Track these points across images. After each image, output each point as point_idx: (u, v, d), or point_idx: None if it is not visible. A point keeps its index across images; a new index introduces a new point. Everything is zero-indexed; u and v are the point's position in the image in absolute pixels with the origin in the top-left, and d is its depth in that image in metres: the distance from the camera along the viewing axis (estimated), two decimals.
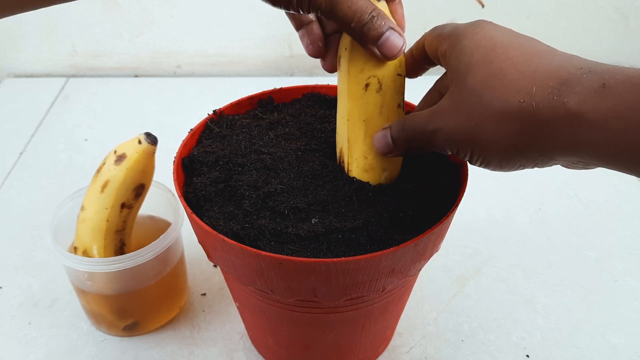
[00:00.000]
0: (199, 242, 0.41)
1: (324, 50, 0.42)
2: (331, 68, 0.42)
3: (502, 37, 0.33)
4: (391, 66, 0.38)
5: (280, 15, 0.86)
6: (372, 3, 0.35)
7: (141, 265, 0.47)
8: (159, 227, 0.54)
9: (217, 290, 0.56)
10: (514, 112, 0.30)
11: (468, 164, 0.41)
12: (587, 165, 0.31)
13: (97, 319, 0.52)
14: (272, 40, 0.89)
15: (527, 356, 0.51)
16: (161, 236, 0.47)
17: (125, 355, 0.51)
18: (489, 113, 0.30)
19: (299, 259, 0.34)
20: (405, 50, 0.37)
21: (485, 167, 0.33)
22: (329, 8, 0.34)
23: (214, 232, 0.36)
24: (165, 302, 0.53)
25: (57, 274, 0.58)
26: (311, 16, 0.41)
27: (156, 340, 0.52)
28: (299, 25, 0.42)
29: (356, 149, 0.39)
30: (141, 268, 0.47)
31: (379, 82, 0.37)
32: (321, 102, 0.49)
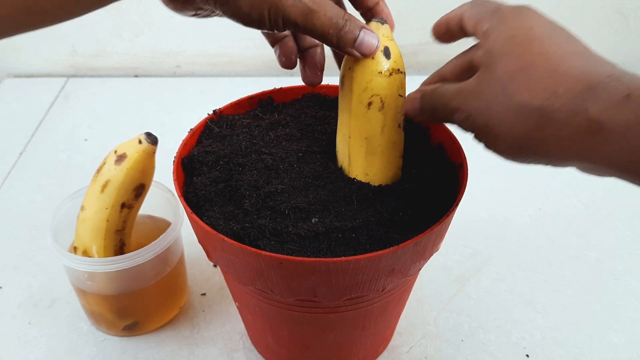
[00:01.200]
0: (199, 242, 0.41)
1: (296, 63, 0.44)
2: (311, 81, 0.44)
3: (541, 30, 0.32)
4: (394, 86, 0.38)
5: None
6: (340, 8, 0.36)
7: (141, 265, 0.47)
8: (159, 227, 0.54)
9: (217, 290, 0.56)
10: (535, 109, 0.29)
11: (467, 164, 0.41)
12: (602, 174, 0.31)
13: (97, 319, 0.52)
14: None
15: (527, 356, 0.51)
16: (161, 236, 0.47)
17: (125, 355, 0.51)
18: (510, 104, 0.30)
19: (299, 258, 0.34)
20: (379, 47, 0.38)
21: (497, 154, 0.33)
22: (304, 22, 0.35)
23: (214, 232, 0.36)
24: (165, 302, 0.53)
25: (57, 274, 0.58)
26: (285, 32, 0.42)
27: (156, 340, 0.52)
28: (273, 41, 0.43)
29: (357, 165, 0.40)
30: (141, 268, 0.47)
31: (381, 101, 0.38)
32: (321, 102, 0.49)
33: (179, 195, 0.39)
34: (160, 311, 0.52)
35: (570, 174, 0.70)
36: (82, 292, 0.50)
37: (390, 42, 0.38)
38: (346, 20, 0.36)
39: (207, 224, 0.37)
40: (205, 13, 0.37)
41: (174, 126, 0.79)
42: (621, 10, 0.88)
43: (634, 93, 0.27)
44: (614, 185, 0.69)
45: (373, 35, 0.37)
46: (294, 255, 0.34)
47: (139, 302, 0.50)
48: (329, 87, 0.50)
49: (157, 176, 0.49)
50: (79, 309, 0.54)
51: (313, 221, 0.36)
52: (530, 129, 0.30)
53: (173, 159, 0.42)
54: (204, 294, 0.56)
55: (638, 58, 0.94)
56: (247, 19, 0.35)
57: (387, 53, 0.38)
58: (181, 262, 0.53)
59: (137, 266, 0.46)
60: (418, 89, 0.38)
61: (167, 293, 0.52)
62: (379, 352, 0.50)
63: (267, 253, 0.34)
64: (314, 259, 0.34)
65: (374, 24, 0.39)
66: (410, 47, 0.88)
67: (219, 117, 0.46)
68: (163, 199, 0.52)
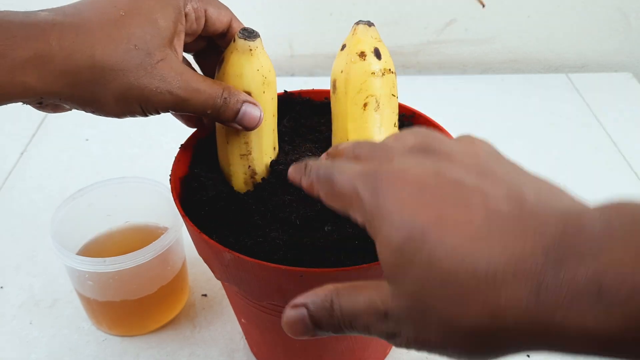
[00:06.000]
0: (205, 260, 0.39)
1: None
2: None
3: (425, 215, 0.23)
4: (387, 86, 0.39)
5: (281, 15, 0.86)
6: (219, 83, 0.36)
7: (142, 265, 0.47)
8: (156, 234, 0.54)
9: (217, 291, 0.57)
10: (486, 332, 0.22)
11: None
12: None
13: (98, 319, 0.52)
14: (273, 40, 0.89)
15: (528, 356, 0.51)
16: (162, 236, 0.48)
17: (126, 355, 0.51)
18: (454, 329, 0.23)
19: (320, 270, 0.33)
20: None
21: None
22: (180, 106, 0.35)
23: (228, 250, 0.34)
24: (166, 302, 0.53)
25: (58, 274, 0.58)
26: None
27: (157, 340, 0.52)
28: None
29: None
30: (142, 268, 0.47)
31: (376, 102, 0.39)
32: (312, 107, 0.48)
33: (182, 215, 0.37)
34: (161, 311, 0.52)
35: (570, 173, 0.71)
36: (82, 292, 0.50)
37: (379, 43, 0.39)
38: (225, 97, 0.36)
39: (217, 241, 0.35)
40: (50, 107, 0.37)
41: (175, 126, 0.79)
42: (622, 10, 0.88)
43: (605, 284, 0.20)
44: (614, 186, 0.69)
45: (255, 108, 0.37)
46: (314, 267, 0.33)
47: (141, 302, 0.50)
48: (315, 92, 0.49)
49: (157, 176, 0.49)
50: (80, 308, 0.54)
51: (326, 229, 0.36)
52: (485, 346, 0.22)
53: (173, 158, 0.42)
54: (205, 295, 0.56)
55: (638, 58, 0.94)
56: (119, 116, 0.36)
57: (377, 54, 0.38)
58: (182, 262, 0.53)
59: (137, 266, 0.46)
60: (297, 302, 0.27)
61: (168, 293, 0.52)
62: (386, 354, 0.50)
63: (288, 267, 0.33)
64: (336, 269, 0.33)
65: (361, 27, 0.39)
66: (410, 47, 0.88)
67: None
68: (162, 198, 0.52)
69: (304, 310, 0.27)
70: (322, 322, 0.26)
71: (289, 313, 0.27)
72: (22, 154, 0.76)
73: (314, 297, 0.27)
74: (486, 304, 0.21)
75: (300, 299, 0.27)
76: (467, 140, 0.28)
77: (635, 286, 0.19)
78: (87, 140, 0.77)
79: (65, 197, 0.52)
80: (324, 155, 0.34)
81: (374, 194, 0.25)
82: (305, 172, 0.31)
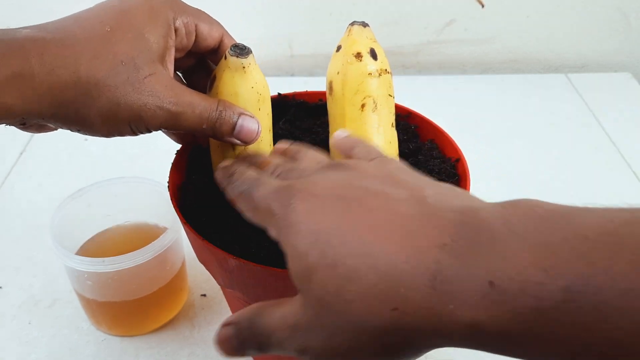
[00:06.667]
0: (207, 267, 0.39)
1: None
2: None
3: (329, 221, 0.25)
4: (384, 86, 0.39)
5: (281, 15, 0.86)
6: (212, 98, 0.35)
7: (141, 265, 0.47)
8: (155, 234, 0.54)
9: (217, 291, 0.57)
10: (390, 327, 0.22)
11: (465, 158, 0.41)
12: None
13: (98, 319, 0.52)
14: (273, 40, 0.89)
15: None
16: (161, 236, 0.47)
17: (126, 355, 0.51)
18: (359, 330, 0.23)
19: None
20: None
21: None
22: (172, 122, 0.34)
23: (234, 257, 0.33)
24: (166, 302, 0.53)
25: (57, 274, 0.58)
26: None
27: (156, 340, 0.52)
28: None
29: None
30: (141, 268, 0.47)
31: (374, 102, 0.38)
32: (307, 109, 0.48)
33: (182, 223, 0.37)
34: (160, 311, 0.52)
35: (570, 173, 0.71)
36: (81, 292, 0.50)
37: (374, 43, 0.39)
38: (220, 111, 0.35)
39: (222, 249, 0.34)
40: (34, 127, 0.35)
41: None
42: (622, 10, 0.88)
43: (496, 280, 0.21)
44: (615, 186, 0.69)
45: (252, 120, 0.36)
46: None
47: (140, 302, 0.50)
48: (309, 94, 0.49)
49: (157, 176, 0.49)
50: (80, 308, 0.54)
51: None
52: (395, 345, 0.23)
53: (172, 158, 0.42)
54: (204, 295, 0.56)
55: (638, 58, 0.94)
56: (106, 136, 0.34)
57: (373, 54, 0.38)
58: (181, 262, 0.53)
59: (137, 266, 0.46)
60: (228, 320, 0.28)
61: (168, 293, 0.52)
62: None
63: None
64: None
65: (356, 28, 0.39)
66: (410, 47, 0.88)
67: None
68: (162, 198, 0.52)
69: (231, 329, 0.28)
70: (246, 341, 0.27)
71: (219, 332, 0.28)
72: (21, 153, 0.76)
73: (240, 317, 0.28)
74: (387, 297, 0.22)
75: (230, 318, 0.28)
76: (379, 160, 0.31)
77: (524, 284, 0.20)
78: (86, 140, 0.77)
79: (65, 197, 0.52)
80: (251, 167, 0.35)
81: (284, 208, 0.27)
82: (231, 181, 0.32)
